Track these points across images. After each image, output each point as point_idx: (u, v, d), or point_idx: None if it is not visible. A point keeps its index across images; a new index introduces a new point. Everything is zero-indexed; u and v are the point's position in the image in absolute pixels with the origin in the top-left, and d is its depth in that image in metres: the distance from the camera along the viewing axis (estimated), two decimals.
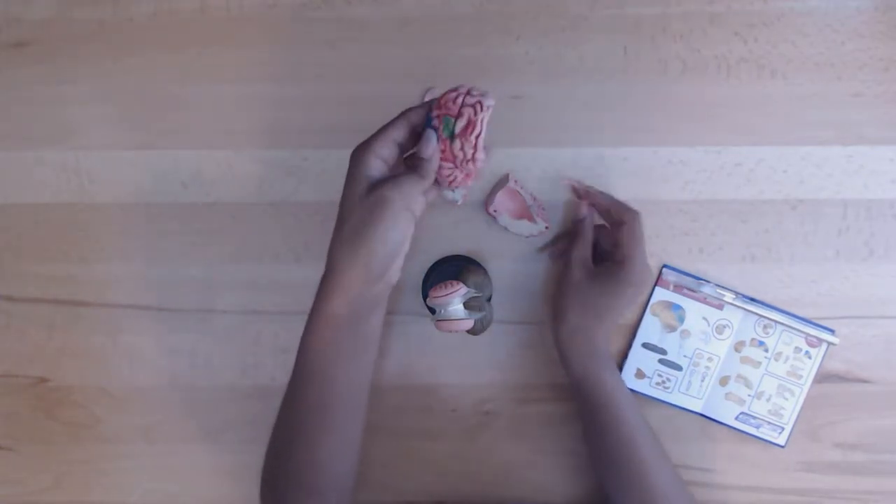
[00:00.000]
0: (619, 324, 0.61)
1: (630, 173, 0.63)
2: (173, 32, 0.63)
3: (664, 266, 0.63)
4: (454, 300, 0.55)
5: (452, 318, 0.55)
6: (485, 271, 0.62)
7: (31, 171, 0.64)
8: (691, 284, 0.63)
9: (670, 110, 0.62)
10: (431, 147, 0.49)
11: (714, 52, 0.62)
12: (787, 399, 0.63)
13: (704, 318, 0.63)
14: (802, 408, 0.63)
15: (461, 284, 0.56)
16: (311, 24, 0.62)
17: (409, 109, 0.51)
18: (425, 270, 0.63)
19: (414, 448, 0.65)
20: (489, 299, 0.62)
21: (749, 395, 0.63)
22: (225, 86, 0.63)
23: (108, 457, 0.65)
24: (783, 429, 0.63)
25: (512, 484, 0.65)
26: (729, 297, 0.62)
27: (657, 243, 0.63)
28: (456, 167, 0.51)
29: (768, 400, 0.63)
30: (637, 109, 0.62)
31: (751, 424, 0.63)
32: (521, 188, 0.62)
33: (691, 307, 0.63)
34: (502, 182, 0.62)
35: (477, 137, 0.49)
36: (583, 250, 0.60)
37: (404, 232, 0.49)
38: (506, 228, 0.62)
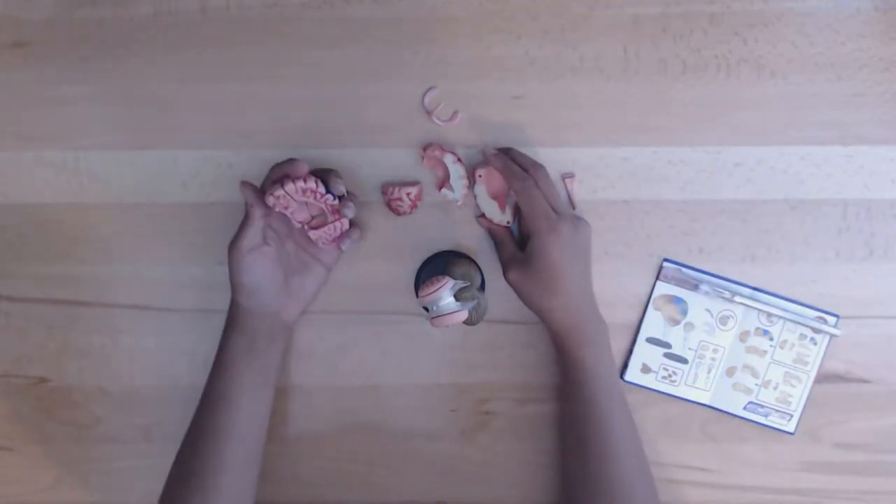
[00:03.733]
0: (583, 280, 0.59)
1: (630, 173, 0.63)
2: (173, 32, 0.63)
3: (665, 260, 0.63)
4: (444, 294, 0.56)
5: (445, 312, 0.56)
6: (470, 260, 0.62)
7: (31, 171, 0.64)
8: (690, 283, 0.63)
9: (670, 110, 0.62)
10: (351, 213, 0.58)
11: (714, 52, 0.62)
12: (794, 386, 0.63)
13: (708, 310, 0.63)
14: (808, 397, 0.63)
15: (447, 277, 0.56)
16: (311, 24, 0.62)
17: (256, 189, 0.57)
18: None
19: (414, 448, 0.65)
20: (482, 288, 0.62)
21: (756, 385, 0.63)
22: (225, 86, 0.63)
23: (108, 457, 0.65)
24: (791, 416, 0.63)
25: (512, 484, 0.65)
26: (727, 294, 0.62)
27: (657, 243, 0.63)
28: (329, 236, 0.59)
29: (776, 388, 0.63)
30: (637, 109, 0.62)
31: (759, 413, 0.63)
32: None
33: (694, 299, 0.63)
34: None
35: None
36: (505, 251, 0.61)
37: (258, 232, 0.57)
38: (475, 198, 0.62)
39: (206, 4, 0.63)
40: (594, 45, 0.62)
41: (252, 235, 0.56)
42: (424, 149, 0.62)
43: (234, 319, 0.58)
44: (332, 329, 0.64)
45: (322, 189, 0.55)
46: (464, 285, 0.58)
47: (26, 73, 0.63)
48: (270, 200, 0.54)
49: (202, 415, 0.57)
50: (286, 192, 0.54)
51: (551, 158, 0.63)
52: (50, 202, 0.64)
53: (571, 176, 0.63)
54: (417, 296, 0.58)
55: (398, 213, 0.62)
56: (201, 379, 0.64)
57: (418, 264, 0.64)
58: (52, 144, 0.63)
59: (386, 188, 0.62)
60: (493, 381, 0.65)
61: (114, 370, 0.65)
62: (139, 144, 0.63)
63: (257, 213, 0.56)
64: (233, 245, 0.56)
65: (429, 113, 0.62)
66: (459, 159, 0.61)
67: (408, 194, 0.61)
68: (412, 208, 0.62)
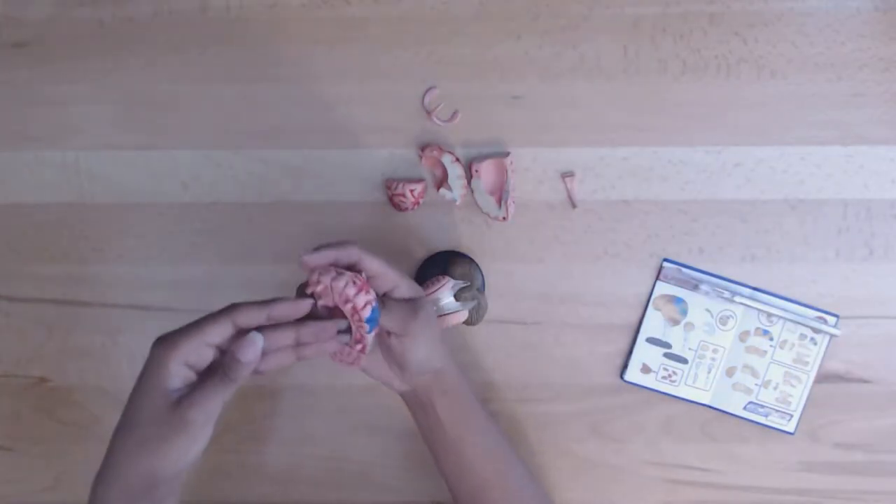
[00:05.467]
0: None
1: (630, 173, 0.63)
2: (173, 32, 0.63)
3: (664, 260, 0.63)
4: (444, 294, 0.56)
5: (446, 312, 0.56)
6: (471, 261, 0.62)
7: (31, 171, 0.64)
8: (690, 283, 0.63)
9: (670, 110, 0.62)
10: (255, 353, 0.44)
11: (714, 52, 0.62)
12: (794, 386, 0.63)
13: (707, 310, 0.63)
14: (808, 397, 0.63)
15: (447, 277, 0.56)
16: (311, 24, 0.62)
17: (237, 307, 0.45)
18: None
19: (413, 448, 0.65)
20: (482, 288, 0.62)
21: (756, 385, 0.63)
22: (225, 86, 0.63)
23: None
24: (791, 416, 0.63)
25: None
26: (727, 294, 0.62)
27: (657, 243, 0.63)
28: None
29: (776, 388, 0.63)
30: (637, 109, 0.62)
31: (759, 413, 0.63)
32: (511, 171, 0.61)
33: (694, 299, 0.63)
34: (499, 155, 0.62)
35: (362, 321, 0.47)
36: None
37: (203, 443, 0.44)
38: (472, 192, 0.62)
39: (206, 4, 0.63)
40: (594, 45, 0.62)
41: (223, 401, 0.44)
42: (423, 149, 0.62)
43: (119, 487, 0.43)
44: None
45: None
46: (464, 285, 0.58)
47: (26, 73, 0.63)
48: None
49: None
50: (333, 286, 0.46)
51: (551, 158, 0.63)
52: (50, 202, 0.64)
53: (571, 175, 0.63)
54: None
55: (400, 209, 0.62)
56: None
57: (418, 264, 0.64)
58: (52, 144, 0.63)
59: (390, 183, 0.62)
60: (493, 381, 0.65)
61: (114, 370, 0.65)
62: (139, 144, 0.63)
63: (243, 376, 0.44)
64: (196, 413, 0.42)
65: (429, 113, 0.62)
66: (458, 159, 0.61)
67: (412, 191, 0.61)
68: (415, 205, 0.62)
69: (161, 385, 0.43)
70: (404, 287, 0.51)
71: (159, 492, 0.43)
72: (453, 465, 0.55)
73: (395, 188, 0.61)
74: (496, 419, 0.65)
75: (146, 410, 0.43)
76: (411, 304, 0.51)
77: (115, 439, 0.44)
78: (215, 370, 0.44)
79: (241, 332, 0.45)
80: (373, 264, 0.49)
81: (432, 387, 0.54)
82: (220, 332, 0.45)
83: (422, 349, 0.51)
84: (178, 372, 0.43)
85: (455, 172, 0.61)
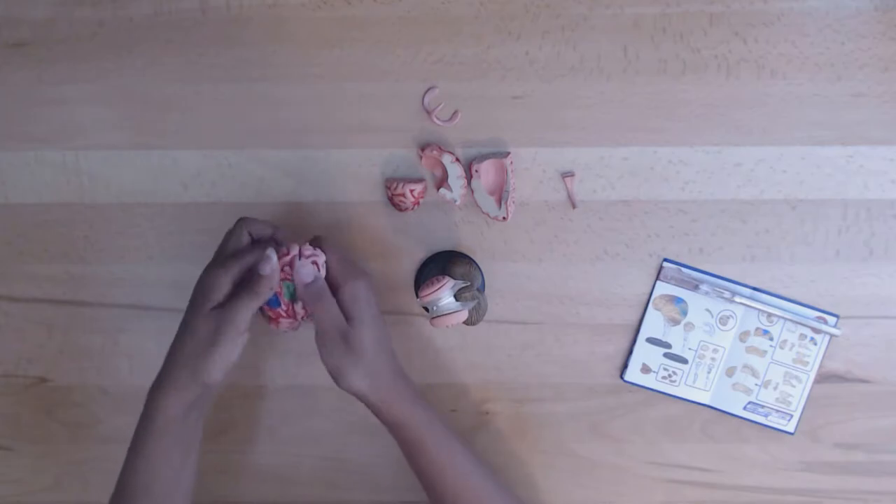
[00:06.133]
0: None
1: (630, 173, 0.63)
2: (173, 32, 0.63)
3: (664, 260, 0.63)
4: (444, 294, 0.56)
5: (445, 312, 0.56)
6: (471, 260, 0.62)
7: (31, 171, 0.64)
8: (690, 283, 0.63)
9: (670, 110, 0.62)
10: (271, 266, 0.53)
11: (714, 52, 0.62)
12: (794, 386, 0.63)
13: (708, 310, 0.63)
14: (808, 397, 0.63)
15: (447, 277, 0.56)
16: (311, 24, 0.62)
17: (247, 222, 0.56)
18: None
19: None
20: (482, 288, 0.62)
21: (756, 385, 0.63)
22: (225, 86, 0.63)
23: (108, 457, 0.65)
24: (791, 416, 0.63)
25: (511, 484, 0.65)
26: (727, 294, 0.62)
27: (657, 243, 0.63)
28: (296, 320, 0.56)
29: (775, 388, 0.63)
30: (637, 109, 0.62)
31: (759, 413, 0.63)
32: (511, 171, 0.61)
33: (694, 299, 0.63)
34: (499, 155, 0.62)
35: None
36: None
37: (238, 349, 0.53)
38: (472, 192, 0.62)
39: (206, 4, 0.63)
40: (594, 45, 0.62)
41: (252, 311, 0.53)
42: (423, 149, 0.62)
43: (174, 390, 0.53)
44: None
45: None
46: (464, 285, 0.58)
47: (26, 73, 0.63)
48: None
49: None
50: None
51: (551, 158, 0.63)
52: (50, 202, 0.64)
53: (571, 175, 0.63)
54: (417, 296, 0.58)
55: (400, 209, 0.62)
56: None
57: (418, 264, 0.64)
58: (52, 144, 0.63)
59: (389, 183, 0.62)
60: (493, 381, 0.65)
61: (114, 370, 0.65)
62: (139, 144, 0.63)
63: (266, 290, 0.53)
64: (233, 319, 0.51)
65: (429, 113, 0.62)
66: (458, 159, 0.61)
67: (412, 191, 0.61)
68: (415, 205, 0.62)
69: (211, 298, 0.52)
70: (347, 293, 0.54)
71: (202, 398, 0.53)
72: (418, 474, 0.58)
73: (395, 188, 0.61)
74: (497, 419, 0.65)
75: (195, 321, 0.52)
76: (347, 342, 0.53)
77: (169, 352, 0.53)
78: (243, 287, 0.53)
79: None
80: (331, 258, 0.56)
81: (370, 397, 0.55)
82: (254, 257, 0.54)
83: (353, 373, 0.54)
84: (226, 289, 0.53)
85: (455, 172, 0.61)
